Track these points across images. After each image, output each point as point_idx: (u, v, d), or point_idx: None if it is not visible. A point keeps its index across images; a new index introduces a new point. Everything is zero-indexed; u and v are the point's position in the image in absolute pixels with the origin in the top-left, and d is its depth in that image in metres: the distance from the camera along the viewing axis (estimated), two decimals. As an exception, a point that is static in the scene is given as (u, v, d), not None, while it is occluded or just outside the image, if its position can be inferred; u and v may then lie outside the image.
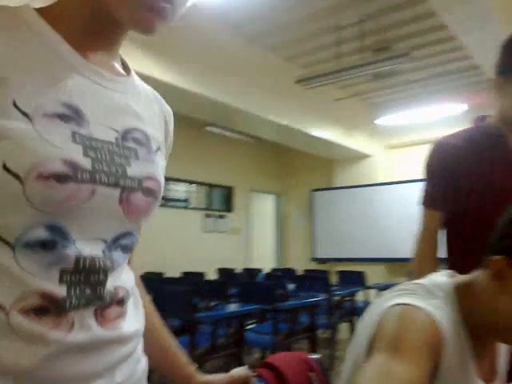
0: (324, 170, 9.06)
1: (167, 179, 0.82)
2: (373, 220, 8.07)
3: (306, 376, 1.06)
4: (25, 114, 0.55)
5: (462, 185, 1.49)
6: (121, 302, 0.67)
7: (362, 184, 8.35)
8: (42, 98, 0.58)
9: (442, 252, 1.56)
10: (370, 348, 0.76)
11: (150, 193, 0.67)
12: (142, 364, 0.73)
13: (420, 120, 7.05)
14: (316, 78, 5.45)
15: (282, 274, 5.94)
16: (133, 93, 0.72)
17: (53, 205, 0.56)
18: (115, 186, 0.62)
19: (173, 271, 6.02)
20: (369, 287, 5.94)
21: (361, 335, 0.83)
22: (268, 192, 9.72)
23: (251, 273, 6.65)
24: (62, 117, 0.59)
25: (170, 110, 0.82)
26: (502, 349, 0.91)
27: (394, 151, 8.53)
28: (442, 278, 0.87)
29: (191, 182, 8.00)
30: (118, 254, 0.65)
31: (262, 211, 9.79)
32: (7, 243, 0.56)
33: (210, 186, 8.42)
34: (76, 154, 0.58)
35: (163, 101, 0.81)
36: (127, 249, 0.68)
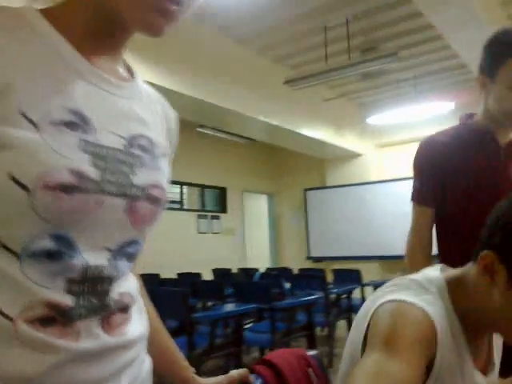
0: (316, 169, 9.08)
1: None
2: (366, 218, 8.10)
3: (304, 372, 1.05)
4: (31, 123, 0.54)
5: (451, 181, 1.52)
6: (126, 309, 0.66)
7: (354, 183, 8.38)
8: (48, 105, 0.56)
9: (435, 248, 1.59)
10: (365, 344, 0.76)
11: (155, 201, 0.66)
12: (147, 365, 0.73)
13: (409, 118, 7.07)
14: (304, 78, 5.45)
15: (278, 273, 5.93)
16: (137, 98, 0.71)
17: (59, 215, 0.55)
18: (121, 195, 0.61)
19: (168, 272, 6.00)
20: (365, 284, 5.95)
21: (356, 331, 0.83)
22: (261, 192, 9.72)
23: (247, 273, 6.63)
24: (69, 124, 0.57)
25: (173, 111, 0.81)
26: (497, 340, 0.92)
27: (385, 150, 8.57)
28: (434, 272, 0.87)
29: (184, 184, 7.99)
30: (122, 263, 0.65)
31: (255, 211, 9.79)
32: (13, 253, 0.55)
33: (203, 187, 8.42)
34: (83, 163, 0.57)
35: (166, 102, 0.80)
36: (132, 257, 0.67)
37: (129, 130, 0.66)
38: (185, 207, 8.05)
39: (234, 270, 7.00)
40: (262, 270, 7.15)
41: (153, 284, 4.79)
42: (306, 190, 8.97)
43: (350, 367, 0.83)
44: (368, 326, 0.79)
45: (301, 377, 1.02)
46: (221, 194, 8.81)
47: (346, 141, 7.82)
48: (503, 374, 0.95)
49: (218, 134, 7.54)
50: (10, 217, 0.54)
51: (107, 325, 0.62)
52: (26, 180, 0.53)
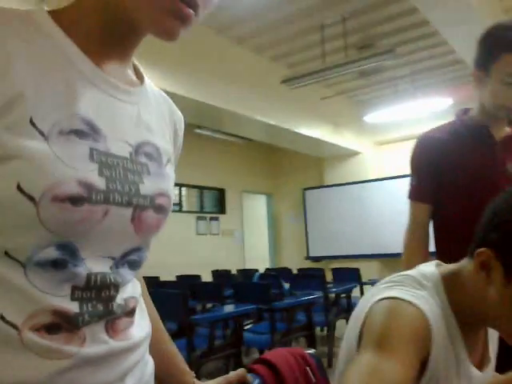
0: (314, 168, 9.09)
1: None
2: (365, 216, 8.10)
3: (303, 371, 1.05)
4: (41, 133, 0.54)
5: (448, 178, 1.52)
6: (131, 313, 0.67)
7: (352, 181, 8.39)
8: (58, 114, 0.56)
9: (432, 245, 1.58)
10: (360, 342, 0.76)
11: (161, 210, 0.66)
12: (150, 366, 0.74)
13: (407, 116, 7.09)
14: (301, 77, 5.47)
15: (277, 274, 5.93)
16: (145, 103, 0.70)
17: (67, 227, 0.55)
18: (128, 205, 0.61)
19: (168, 275, 6.00)
20: (364, 283, 5.95)
21: (352, 329, 0.83)
22: (260, 192, 9.73)
23: (246, 274, 6.64)
24: (79, 133, 0.57)
25: (179, 112, 0.81)
26: (491, 335, 0.92)
27: (383, 147, 8.58)
28: (430, 268, 0.87)
29: (183, 186, 7.99)
30: (125, 270, 0.64)
31: (254, 212, 9.80)
32: (18, 262, 0.55)
33: (202, 188, 8.42)
34: (91, 174, 0.56)
35: (173, 104, 0.80)
36: (135, 264, 0.67)
37: (136, 138, 0.65)
38: (184, 209, 8.05)
39: (234, 272, 7.01)
40: (262, 270, 7.16)
41: (152, 287, 4.78)
42: (305, 189, 8.98)
43: (346, 365, 0.83)
44: (363, 323, 0.78)
45: (299, 375, 1.03)
46: (219, 195, 8.81)
47: (343, 139, 7.82)
48: (499, 368, 0.94)
49: (216, 135, 7.55)
50: (16, 228, 0.54)
51: (112, 329, 0.62)
52: (34, 192, 0.52)
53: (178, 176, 0.75)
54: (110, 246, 0.61)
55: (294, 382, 1.00)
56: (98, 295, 0.60)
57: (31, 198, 0.52)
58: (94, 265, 0.59)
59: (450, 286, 0.82)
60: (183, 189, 8.14)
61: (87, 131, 0.58)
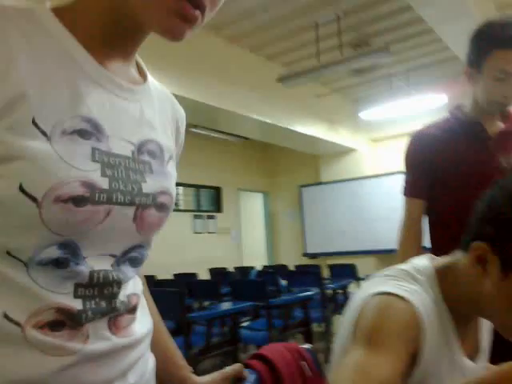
0: (311, 165, 9.09)
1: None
2: (361, 213, 8.12)
3: (298, 365, 1.06)
4: (43, 133, 0.53)
5: (442, 174, 1.53)
6: (133, 309, 0.67)
7: (348, 178, 8.40)
8: (60, 113, 0.55)
9: (427, 241, 1.59)
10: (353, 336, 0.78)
11: (162, 208, 0.66)
12: (151, 363, 0.74)
13: (402, 112, 7.09)
14: (297, 75, 5.45)
15: (274, 271, 5.94)
16: (148, 100, 0.70)
17: (69, 228, 0.55)
18: (131, 204, 0.61)
19: (165, 273, 6.00)
20: (360, 279, 5.96)
21: (346, 324, 0.84)
22: (256, 190, 9.73)
23: (243, 271, 6.65)
24: (82, 133, 0.57)
25: (181, 110, 0.81)
26: (484, 326, 0.93)
27: (379, 144, 8.59)
28: (423, 261, 0.88)
29: (179, 185, 7.99)
30: (126, 268, 0.64)
31: (251, 210, 9.80)
32: (20, 261, 0.55)
33: (198, 187, 8.41)
34: (94, 174, 0.56)
35: (175, 101, 0.79)
36: (137, 261, 0.67)
37: (139, 136, 0.65)
38: (180, 208, 8.04)
39: (231, 269, 7.00)
40: (259, 268, 7.16)
41: (149, 286, 4.77)
42: (301, 186, 8.98)
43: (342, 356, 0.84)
44: (356, 318, 0.80)
45: (295, 370, 1.03)
46: (216, 194, 8.80)
47: (339, 136, 7.83)
48: (493, 359, 0.95)
49: (212, 134, 7.54)
50: (18, 228, 0.54)
51: (115, 326, 0.63)
52: (36, 192, 0.52)
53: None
54: (111, 245, 0.61)
55: (290, 377, 1.01)
56: (101, 292, 0.60)
57: (33, 199, 0.52)
58: (96, 263, 0.59)
59: (444, 279, 0.83)
60: (180, 188, 8.13)
61: (90, 130, 0.58)
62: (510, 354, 1.20)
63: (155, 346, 0.77)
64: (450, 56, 6.01)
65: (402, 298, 0.76)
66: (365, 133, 8.44)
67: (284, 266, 6.96)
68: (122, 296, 0.64)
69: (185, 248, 7.57)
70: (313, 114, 7.17)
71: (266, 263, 9.05)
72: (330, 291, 5.05)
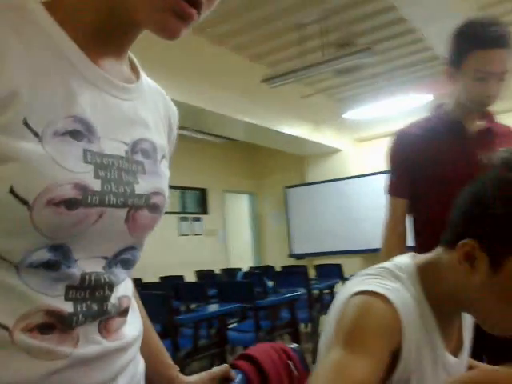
0: (296, 166, 9.10)
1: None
2: (347, 213, 8.15)
3: (285, 365, 1.06)
4: (35, 134, 0.52)
5: (424, 172, 1.54)
6: (124, 312, 0.66)
7: (334, 178, 8.43)
8: (53, 114, 0.54)
9: (410, 240, 1.60)
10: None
11: (155, 209, 0.66)
12: (141, 365, 0.74)
13: (387, 112, 7.14)
14: (281, 76, 5.46)
15: (260, 272, 5.94)
16: (141, 99, 0.69)
17: (60, 230, 0.54)
18: (123, 206, 0.60)
19: (151, 276, 5.96)
20: (346, 279, 5.98)
21: (329, 324, 0.84)
22: (242, 192, 9.72)
23: (230, 273, 6.64)
24: (74, 134, 0.55)
25: (174, 107, 0.80)
26: (467, 322, 0.93)
27: (364, 144, 8.64)
28: (405, 259, 0.87)
29: (164, 187, 7.94)
30: (118, 270, 0.64)
31: (237, 211, 9.79)
32: (10, 263, 0.53)
33: (183, 189, 8.38)
34: (86, 176, 0.55)
35: (167, 97, 0.79)
36: (128, 263, 0.66)
37: (132, 136, 0.64)
38: (165, 210, 8.00)
39: (217, 271, 6.99)
40: (246, 269, 7.15)
41: (135, 289, 4.75)
42: (287, 187, 8.99)
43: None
44: (338, 317, 0.79)
45: (281, 370, 1.04)
46: (201, 196, 8.78)
47: (324, 137, 7.86)
48: (474, 354, 0.96)
49: (197, 136, 7.51)
50: (9, 231, 0.53)
51: (105, 330, 0.62)
52: (28, 195, 0.51)
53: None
54: (103, 247, 0.60)
55: (277, 377, 1.01)
56: (93, 295, 0.59)
57: (24, 202, 0.51)
58: (87, 265, 0.58)
59: (426, 276, 0.83)
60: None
61: (82, 131, 0.56)
62: (490, 348, 1.22)
63: (143, 345, 0.76)
64: (432, 56, 6.07)
65: (382, 296, 0.76)
66: (349, 133, 8.48)
67: (271, 267, 6.97)
68: (114, 299, 0.63)
69: (171, 250, 7.53)
70: (298, 115, 7.19)
71: (253, 264, 9.04)
72: (316, 291, 5.06)
